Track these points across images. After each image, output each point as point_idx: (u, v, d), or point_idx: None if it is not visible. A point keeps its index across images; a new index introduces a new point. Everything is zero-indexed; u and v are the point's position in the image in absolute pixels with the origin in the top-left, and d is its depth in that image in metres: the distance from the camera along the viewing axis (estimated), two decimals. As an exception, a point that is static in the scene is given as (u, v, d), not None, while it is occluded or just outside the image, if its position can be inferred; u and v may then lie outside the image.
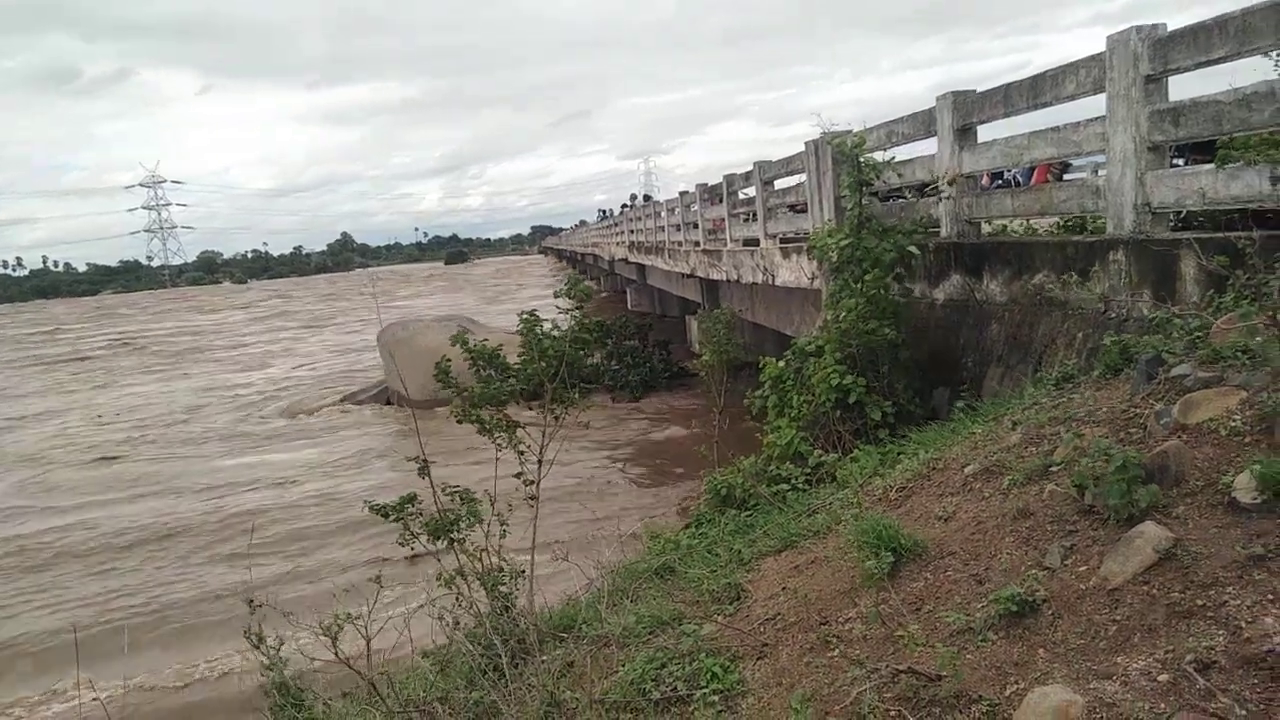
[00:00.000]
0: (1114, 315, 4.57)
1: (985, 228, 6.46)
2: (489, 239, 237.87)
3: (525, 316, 4.32)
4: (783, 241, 10.39)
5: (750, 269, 10.95)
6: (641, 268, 27.45)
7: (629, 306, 28.67)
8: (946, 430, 4.56)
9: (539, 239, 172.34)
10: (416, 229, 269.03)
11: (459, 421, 4.11)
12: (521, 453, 4.25)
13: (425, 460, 3.93)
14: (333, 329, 39.90)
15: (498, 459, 4.03)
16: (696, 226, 14.97)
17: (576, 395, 4.23)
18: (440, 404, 19.12)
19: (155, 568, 10.43)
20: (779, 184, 10.32)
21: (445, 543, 3.77)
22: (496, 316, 29.83)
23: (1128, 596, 2.47)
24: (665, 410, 16.37)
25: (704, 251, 14.03)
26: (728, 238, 12.50)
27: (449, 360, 4.29)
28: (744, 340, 12.38)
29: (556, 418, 4.31)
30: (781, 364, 6.59)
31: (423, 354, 18.28)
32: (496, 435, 4.09)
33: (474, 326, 19.92)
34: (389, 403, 19.18)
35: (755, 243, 11.00)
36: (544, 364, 4.15)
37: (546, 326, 4.39)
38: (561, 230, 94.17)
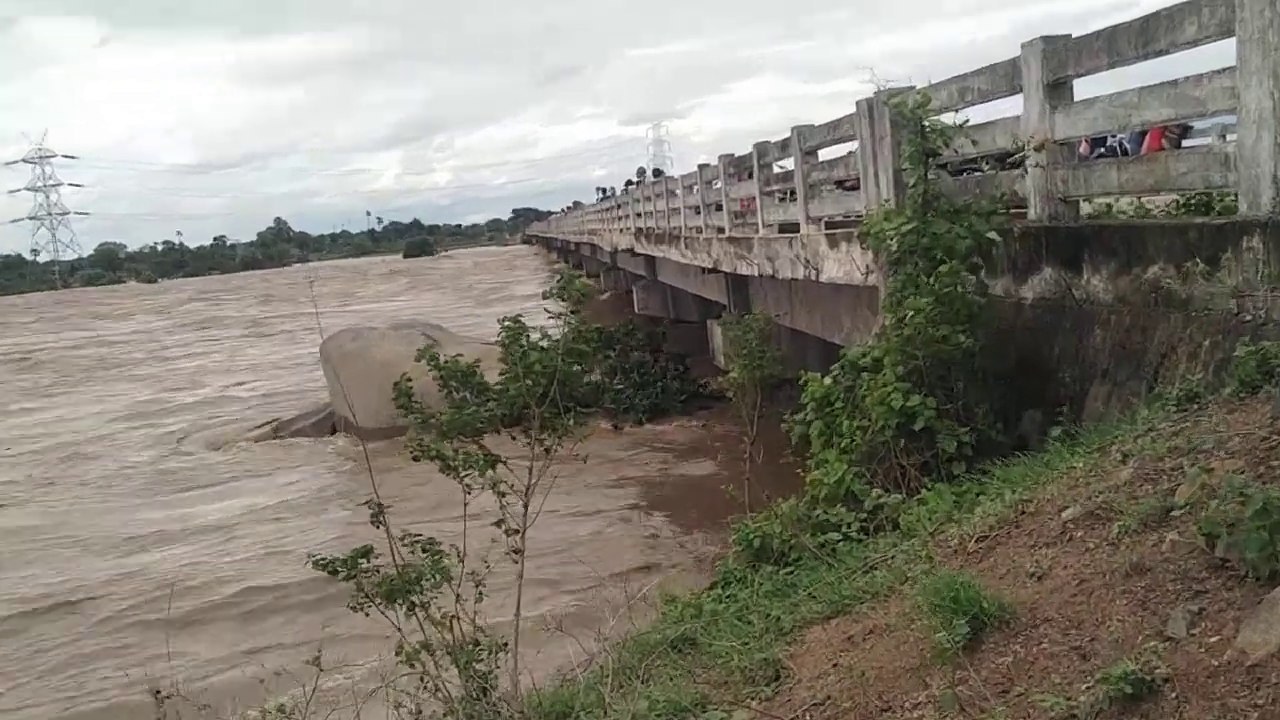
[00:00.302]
0: (1249, 317, 4.52)
1: (1085, 207, 6.42)
2: (459, 225, 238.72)
3: (507, 323, 4.35)
4: (829, 226, 10.36)
5: (788, 261, 10.95)
6: (651, 260, 27.47)
7: (636, 309, 28.66)
8: (1038, 464, 4.54)
9: (522, 225, 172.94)
10: (369, 213, 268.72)
11: (414, 458, 4.12)
12: (503, 495, 4.24)
13: (379, 504, 3.94)
14: (277, 339, 40.24)
15: (467, 503, 4.02)
16: (720, 208, 15.00)
17: (571, 422, 4.23)
18: (402, 432, 18.98)
19: (50, 647, 10.45)
20: (824, 154, 10.33)
21: (405, 607, 3.77)
22: (489, 321, 29.94)
23: (1272, 675, 2.43)
24: (682, 439, 16.36)
25: (729, 240, 14.05)
26: (759, 222, 12.52)
27: (409, 380, 4.31)
28: (781, 351, 12.30)
29: (546, 450, 4.30)
30: (828, 381, 6.57)
31: (377, 370, 18.27)
32: (465, 473, 4.10)
33: (441, 336, 20.03)
34: (334, 430, 19.29)
35: (794, 228, 11.00)
36: (530, 383, 4.16)
37: (534, 336, 4.40)
38: (550, 214, 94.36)
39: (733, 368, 11.02)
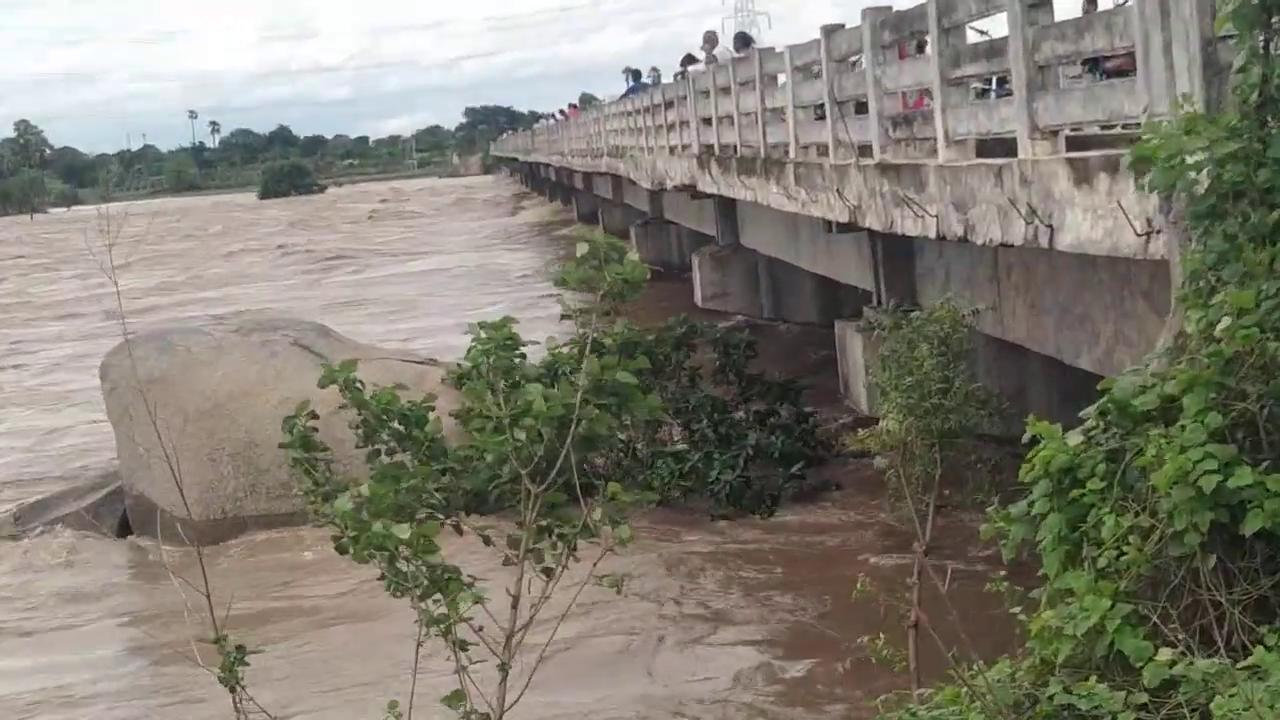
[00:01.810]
0: None
1: None
2: (365, 139, 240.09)
3: (482, 332, 4.44)
4: (1073, 145, 10.34)
5: (993, 210, 10.97)
6: (728, 207, 27.48)
7: (699, 299, 28.89)
8: None
9: (483, 138, 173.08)
10: (193, 115, 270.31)
11: (339, 549, 4.24)
12: (463, 648, 4.30)
13: (232, 677, 4.03)
14: (45, 351, 40.71)
15: (417, 663, 4.11)
16: (864, 110, 15.05)
17: (598, 515, 4.31)
18: (261, 525, 19.12)
19: None
20: (1062, 8, 10.38)
21: None
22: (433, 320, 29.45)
23: None
24: (790, 541, 16.25)
25: (881, 169, 14.08)
26: (939, 135, 12.53)
27: (313, 419, 4.42)
28: (977, 382, 12.30)
29: (547, 571, 4.36)
30: (1075, 439, 6.56)
31: (208, 411, 18.46)
32: (416, 591, 4.21)
33: (329, 346, 20.03)
34: (127, 524, 19.22)
35: (1005, 149, 11.03)
36: (521, 440, 4.22)
37: (533, 353, 4.50)
38: (539, 120, 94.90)
39: (885, 411, 10.88)
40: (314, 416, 4.50)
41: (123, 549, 18.80)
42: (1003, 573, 7.24)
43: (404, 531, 4.19)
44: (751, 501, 17.21)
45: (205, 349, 20.25)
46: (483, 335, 4.44)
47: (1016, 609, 6.46)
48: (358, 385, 4.52)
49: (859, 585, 9.37)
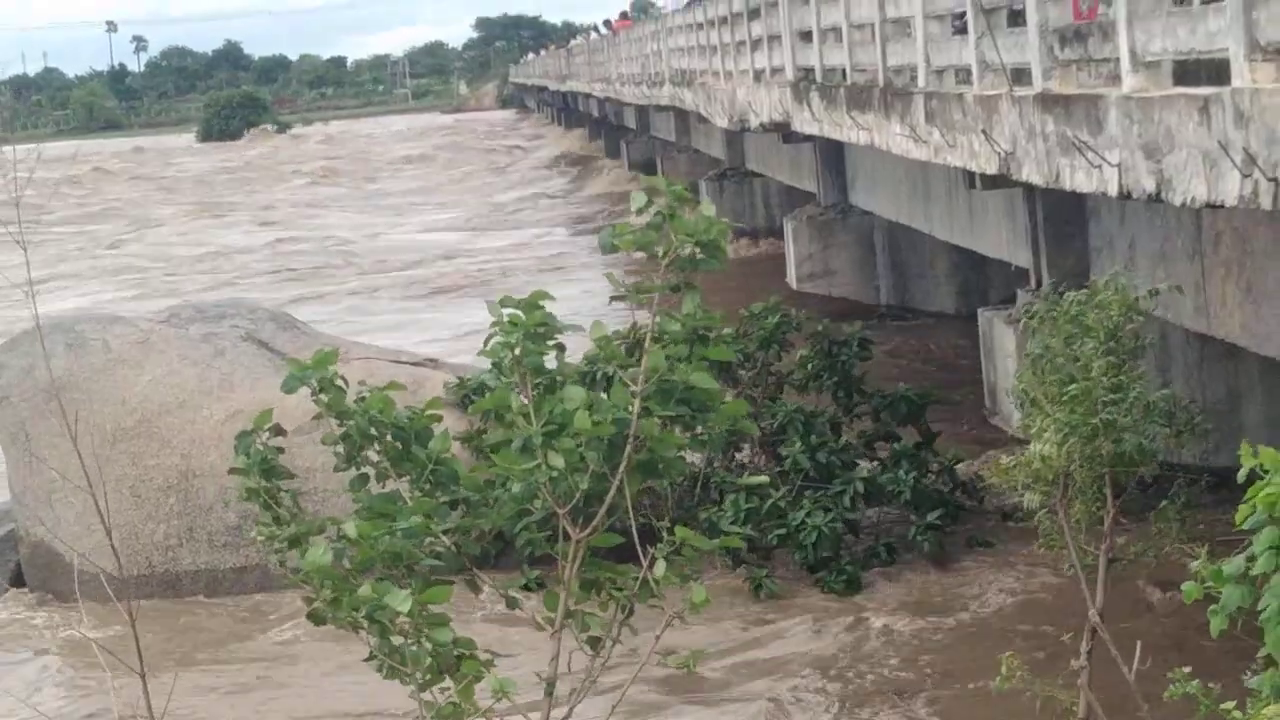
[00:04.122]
0: None
1: None
2: (342, 59, 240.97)
3: (508, 317, 4.36)
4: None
5: (1196, 157, 10.88)
6: (835, 154, 27.43)
7: (793, 279, 28.52)
8: None
9: (499, 61, 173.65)
10: (112, 27, 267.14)
11: (315, 618, 4.25)
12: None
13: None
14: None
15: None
16: (1019, 20, 15.00)
17: (660, 570, 4.28)
18: (219, 582, 18.78)
19: None
20: None
21: None
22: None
23: None
24: (922, 613, 16.22)
25: (1042, 102, 14.03)
26: (1124, 54, 12.38)
27: (277, 436, 4.41)
28: (1171, 387, 12.20)
29: (594, 642, 4.34)
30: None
31: (132, 427, 18.70)
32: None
33: (289, 341, 20.04)
34: (20, 578, 19.24)
35: (1212, 72, 10.97)
36: (556, 470, 4.16)
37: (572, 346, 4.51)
38: (580, 33, 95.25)
39: (1041, 430, 10.78)
40: (280, 432, 4.43)
41: (17, 612, 18.83)
42: (1187, 669, 7.20)
43: (402, 601, 4.15)
44: (855, 560, 16.98)
45: (128, 345, 20.19)
46: (506, 319, 4.40)
47: (1229, 705, 6.41)
48: (339, 385, 4.40)
49: (1004, 669, 9.24)
